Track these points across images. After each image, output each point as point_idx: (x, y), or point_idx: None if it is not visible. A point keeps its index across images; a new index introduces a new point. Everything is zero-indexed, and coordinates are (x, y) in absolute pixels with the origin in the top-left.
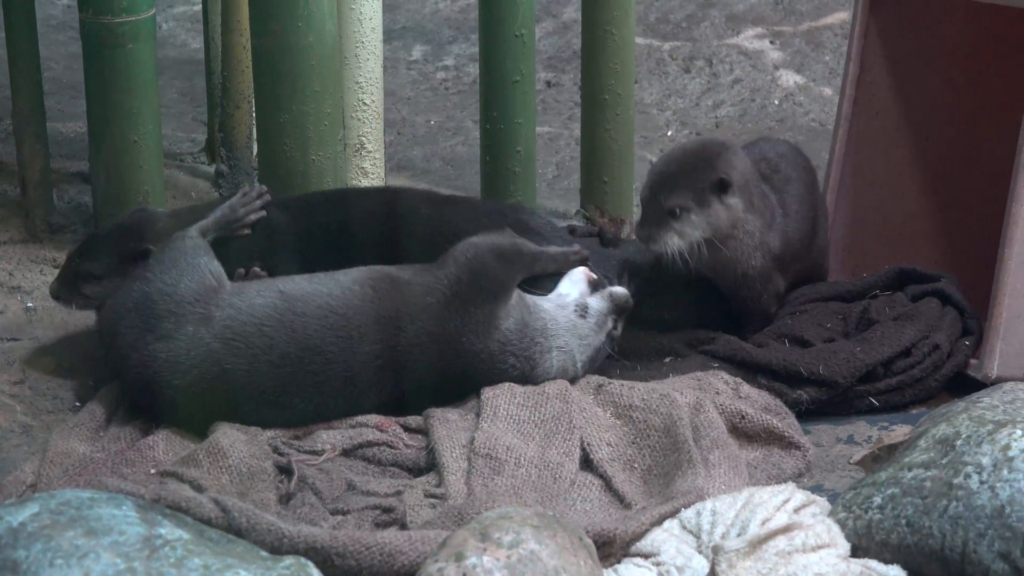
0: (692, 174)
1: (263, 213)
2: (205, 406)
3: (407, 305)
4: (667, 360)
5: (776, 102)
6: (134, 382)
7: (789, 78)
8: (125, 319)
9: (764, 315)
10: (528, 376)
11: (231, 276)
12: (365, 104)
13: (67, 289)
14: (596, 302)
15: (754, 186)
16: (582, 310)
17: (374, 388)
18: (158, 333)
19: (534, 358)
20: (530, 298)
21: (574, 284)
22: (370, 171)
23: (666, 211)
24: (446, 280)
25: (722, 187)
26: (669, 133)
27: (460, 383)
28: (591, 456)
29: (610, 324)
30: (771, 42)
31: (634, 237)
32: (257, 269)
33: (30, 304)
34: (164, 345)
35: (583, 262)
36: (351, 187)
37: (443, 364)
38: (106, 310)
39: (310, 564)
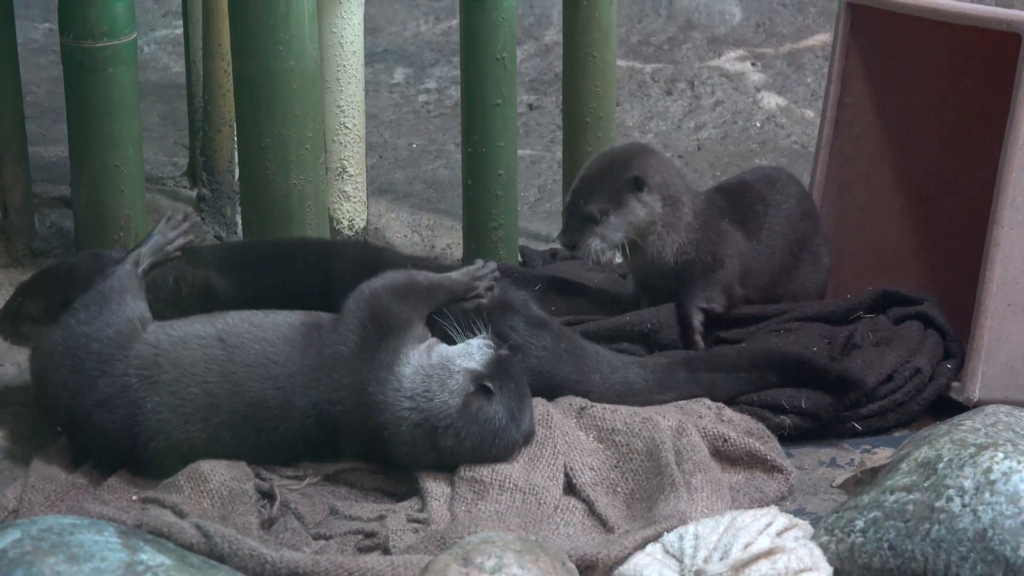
0: (609, 176)
1: (192, 237)
2: (133, 452)
3: (324, 356)
4: None
5: (758, 124)
6: (64, 425)
7: (771, 100)
8: (53, 359)
9: (702, 311)
10: (423, 424)
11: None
12: (347, 128)
13: (5, 325)
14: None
15: (676, 184)
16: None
17: (310, 442)
18: (84, 375)
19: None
20: (440, 348)
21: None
22: (352, 195)
23: (586, 216)
24: (351, 328)
25: (637, 185)
26: None
27: (377, 437)
28: (574, 480)
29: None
30: (752, 64)
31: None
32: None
33: None
34: (90, 388)
35: (489, 286)
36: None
37: (360, 416)
38: (38, 351)
39: None
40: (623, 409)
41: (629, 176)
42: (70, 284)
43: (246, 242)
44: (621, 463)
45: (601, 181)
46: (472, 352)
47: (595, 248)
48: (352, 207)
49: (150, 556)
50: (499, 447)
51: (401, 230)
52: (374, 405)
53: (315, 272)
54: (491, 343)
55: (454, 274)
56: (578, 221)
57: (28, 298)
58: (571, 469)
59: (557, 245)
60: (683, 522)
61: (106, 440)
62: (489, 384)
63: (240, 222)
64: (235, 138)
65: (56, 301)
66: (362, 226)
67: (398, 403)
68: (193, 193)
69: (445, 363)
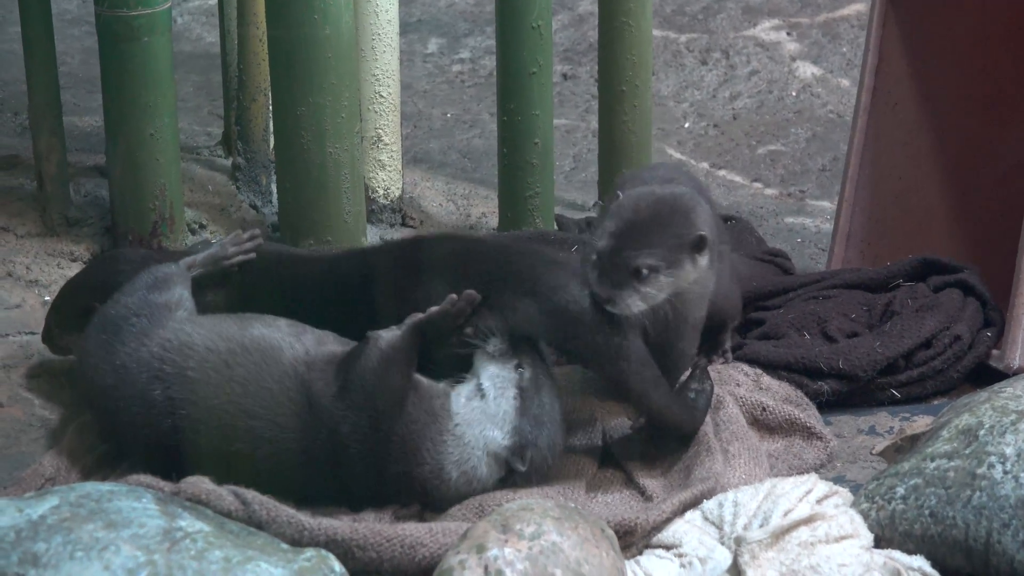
0: (665, 230)
1: (252, 256)
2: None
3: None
4: None
5: (793, 93)
6: (90, 397)
7: (806, 69)
8: (96, 329)
9: (686, 365)
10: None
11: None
12: (382, 96)
13: (48, 342)
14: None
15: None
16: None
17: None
18: (118, 346)
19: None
20: (454, 422)
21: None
22: (387, 164)
23: (632, 270)
24: (351, 415)
25: (699, 246)
26: (687, 125)
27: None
28: (612, 451)
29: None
30: (788, 33)
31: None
32: None
33: (47, 298)
34: (117, 360)
35: (467, 306)
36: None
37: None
38: (85, 334)
39: (331, 556)
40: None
41: (692, 236)
42: (99, 290)
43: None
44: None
45: (655, 234)
46: (491, 411)
47: (634, 308)
48: (387, 176)
49: (188, 523)
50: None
51: (436, 199)
52: (385, 479)
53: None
54: (503, 374)
55: (432, 311)
56: (618, 272)
57: (53, 312)
58: (610, 439)
59: (593, 214)
60: (720, 486)
61: (122, 419)
62: (521, 467)
63: (275, 191)
64: (270, 107)
65: (85, 309)
66: (397, 195)
67: (416, 489)
68: (228, 162)
69: (466, 450)
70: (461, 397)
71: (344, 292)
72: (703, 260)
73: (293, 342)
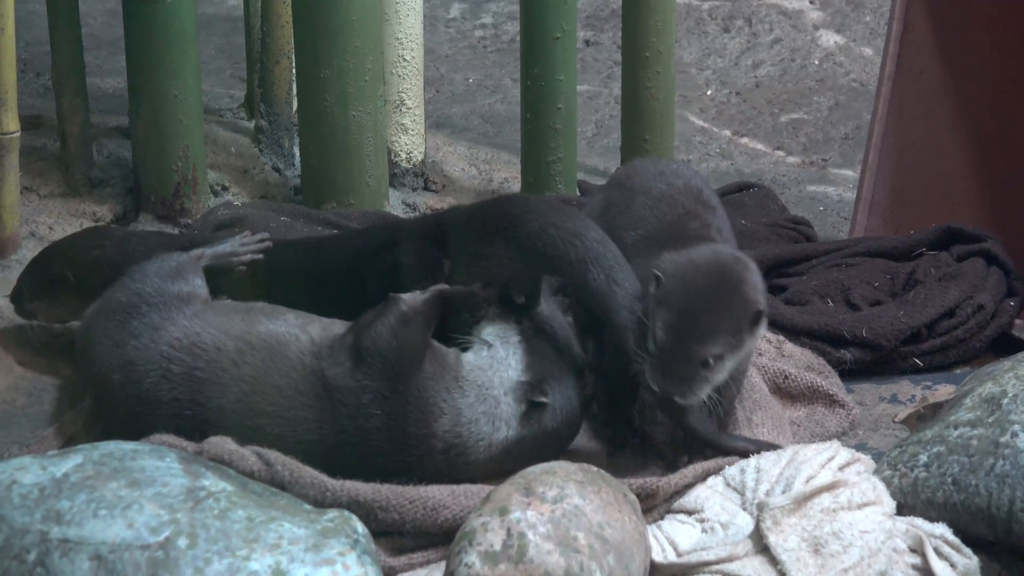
0: (726, 313)
1: (260, 256)
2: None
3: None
4: None
5: (816, 62)
6: (94, 383)
7: (829, 38)
8: (103, 313)
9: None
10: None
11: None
12: (405, 60)
13: (15, 302)
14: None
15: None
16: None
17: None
18: (126, 333)
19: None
20: (469, 372)
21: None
22: (410, 127)
23: (700, 361)
24: (370, 382)
25: (757, 319)
26: (709, 92)
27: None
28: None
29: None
30: (811, 2)
31: None
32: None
33: None
34: (125, 348)
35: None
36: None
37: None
38: (83, 320)
39: (354, 517)
40: None
41: (752, 310)
42: (75, 261)
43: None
44: None
45: (715, 320)
46: (500, 355)
47: (703, 395)
48: (410, 140)
49: (212, 482)
50: (571, 435)
51: (459, 164)
52: (410, 445)
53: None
54: (503, 327)
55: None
56: (685, 366)
57: (25, 274)
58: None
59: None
60: (743, 456)
61: (125, 406)
62: (543, 399)
63: (298, 154)
64: (293, 69)
65: (58, 277)
66: (420, 159)
67: (436, 446)
68: (251, 125)
69: (483, 391)
70: (470, 353)
71: (358, 275)
72: (762, 328)
73: (299, 334)
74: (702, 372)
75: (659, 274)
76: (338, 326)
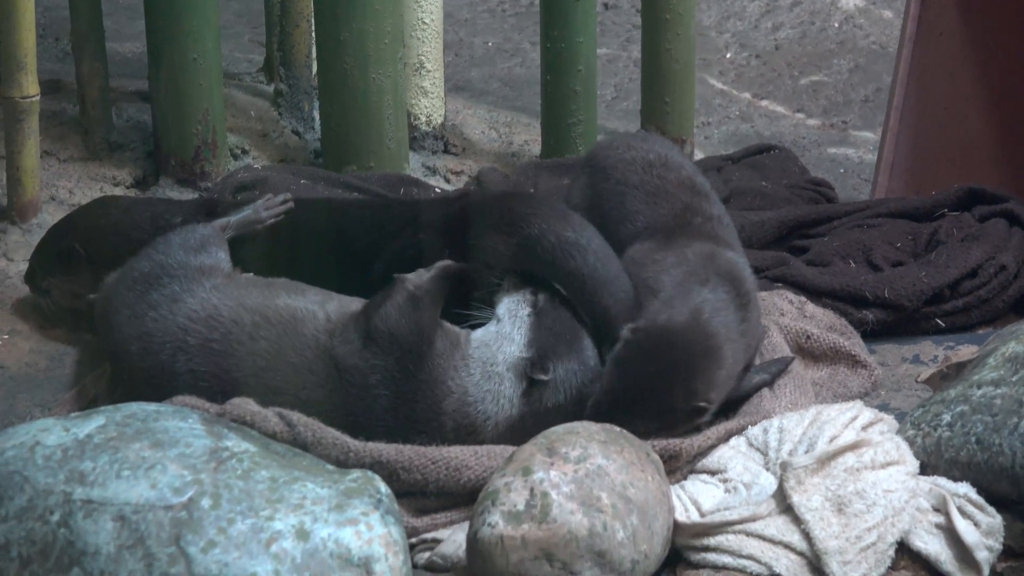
0: (665, 405)
1: (282, 218)
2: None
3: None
4: None
5: (836, 24)
6: (112, 351)
7: (849, 0)
8: (125, 283)
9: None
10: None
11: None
12: (425, 23)
13: (30, 282)
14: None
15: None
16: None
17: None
18: (146, 304)
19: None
20: (474, 349)
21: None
22: (430, 90)
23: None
24: (378, 362)
25: (696, 414)
26: (728, 55)
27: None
28: None
29: None
30: None
31: None
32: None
33: None
34: (144, 318)
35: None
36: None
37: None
38: (104, 287)
39: (377, 477)
40: None
41: (692, 407)
42: (83, 233)
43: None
44: None
45: (650, 406)
46: (506, 331)
47: None
48: (430, 103)
49: (235, 443)
50: (578, 412)
51: (478, 127)
52: (419, 424)
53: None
54: (517, 300)
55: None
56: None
57: (36, 254)
58: None
59: None
60: (764, 416)
61: (143, 376)
62: (543, 376)
63: (318, 117)
64: (313, 33)
65: (71, 250)
66: (439, 122)
67: (446, 425)
68: (270, 89)
69: (487, 368)
70: (479, 330)
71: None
72: (706, 416)
73: (316, 311)
74: None
75: (625, 338)
76: (356, 304)
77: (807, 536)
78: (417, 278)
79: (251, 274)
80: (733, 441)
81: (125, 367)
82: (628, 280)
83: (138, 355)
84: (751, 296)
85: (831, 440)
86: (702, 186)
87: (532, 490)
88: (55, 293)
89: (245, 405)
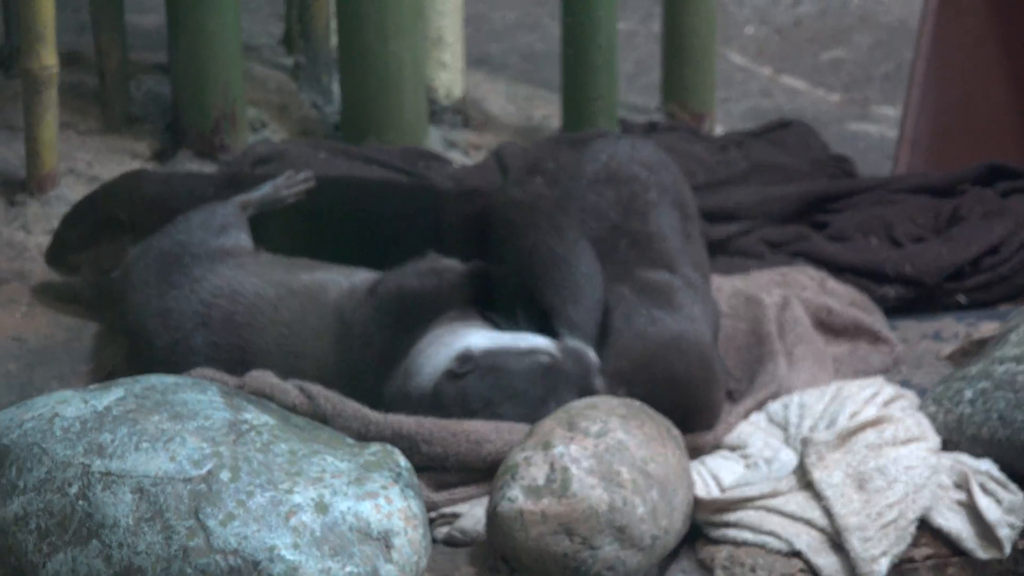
0: None
1: (303, 196)
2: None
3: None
4: (751, 262)
5: (856, 0)
6: (128, 329)
7: None
8: (143, 260)
9: None
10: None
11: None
12: None
13: (52, 258)
14: None
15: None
16: None
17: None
18: (164, 282)
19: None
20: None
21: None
22: (449, 64)
23: None
24: (381, 317)
25: None
26: (749, 31)
27: None
28: None
29: None
30: None
31: None
32: None
33: None
34: (163, 296)
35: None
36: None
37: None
38: (122, 267)
39: (396, 451)
40: (726, 286)
41: None
42: (125, 203)
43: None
44: (725, 342)
45: None
46: (501, 336)
47: None
48: (450, 76)
49: (254, 416)
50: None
51: (498, 101)
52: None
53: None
54: (542, 344)
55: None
56: None
57: (65, 226)
58: None
59: (656, 117)
60: (784, 389)
61: (155, 355)
62: (455, 364)
63: (337, 90)
64: (332, 5)
65: (88, 224)
66: (459, 96)
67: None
68: (289, 61)
69: (452, 341)
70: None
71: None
72: None
73: (342, 280)
74: None
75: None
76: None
77: (828, 512)
78: (449, 262)
79: (270, 254)
80: (753, 417)
81: (143, 345)
82: (599, 305)
83: (155, 332)
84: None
85: (852, 416)
86: (647, 203)
87: (552, 464)
88: (85, 269)
89: (264, 377)
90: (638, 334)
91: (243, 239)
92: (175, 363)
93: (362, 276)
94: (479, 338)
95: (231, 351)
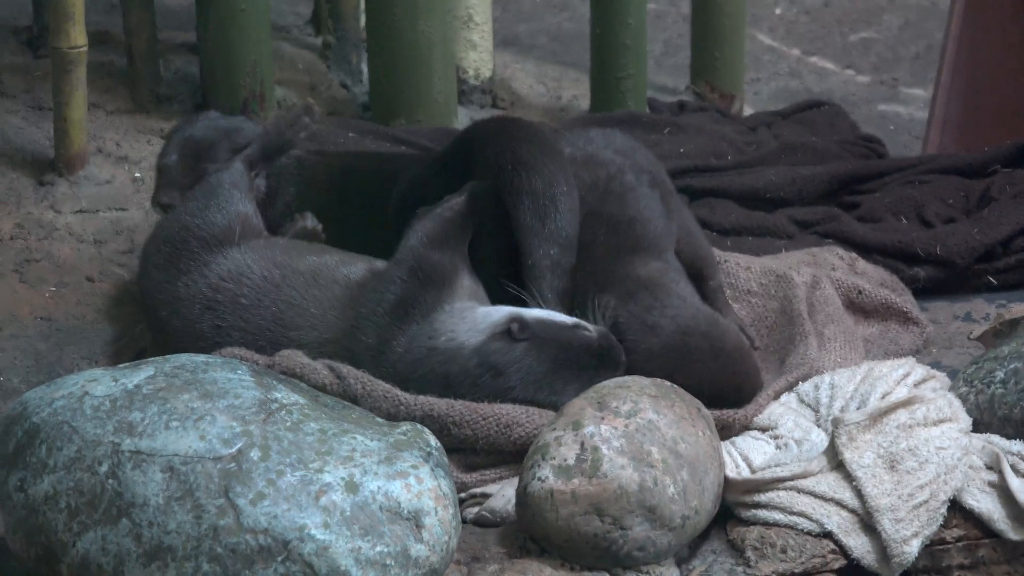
0: None
1: (314, 128)
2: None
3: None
4: (781, 242)
5: None
6: (147, 312)
7: None
8: (154, 244)
9: None
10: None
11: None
12: None
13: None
14: None
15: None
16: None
17: None
18: (175, 267)
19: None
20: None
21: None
22: (478, 44)
23: None
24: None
25: None
26: (778, 11)
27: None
28: None
29: None
30: None
31: None
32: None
33: (138, 174)
34: (175, 282)
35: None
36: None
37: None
38: (146, 241)
39: (426, 430)
40: (756, 265)
41: None
42: (198, 146)
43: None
44: (757, 322)
45: None
46: (541, 310)
47: None
48: (478, 56)
49: (284, 395)
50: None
51: (527, 81)
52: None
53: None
54: (577, 320)
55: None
56: None
57: (162, 158)
58: None
59: (685, 97)
60: (815, 370)
61: (174, 340)
62: (516, 326)
63: (366, 70)
64: None
65: (191, 164)
66: (488, 76)
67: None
68: (318, 41)
69: (489, 309)
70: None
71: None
72: None
73: (340, 264)
74: None
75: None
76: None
77: (859, 493)
78: (451, 201)
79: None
80: (784, 398)
81: (160, 330)
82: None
83: (167, 319)
84: None
85: (883, 397)
86: (623, 185)
87: (583, 444)
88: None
89: (295, 357)
90: (663, 315)
91: (243, 212)
92: (190, 348)
93: (382, 263)
94: (524, 308)
95: (236, 332)
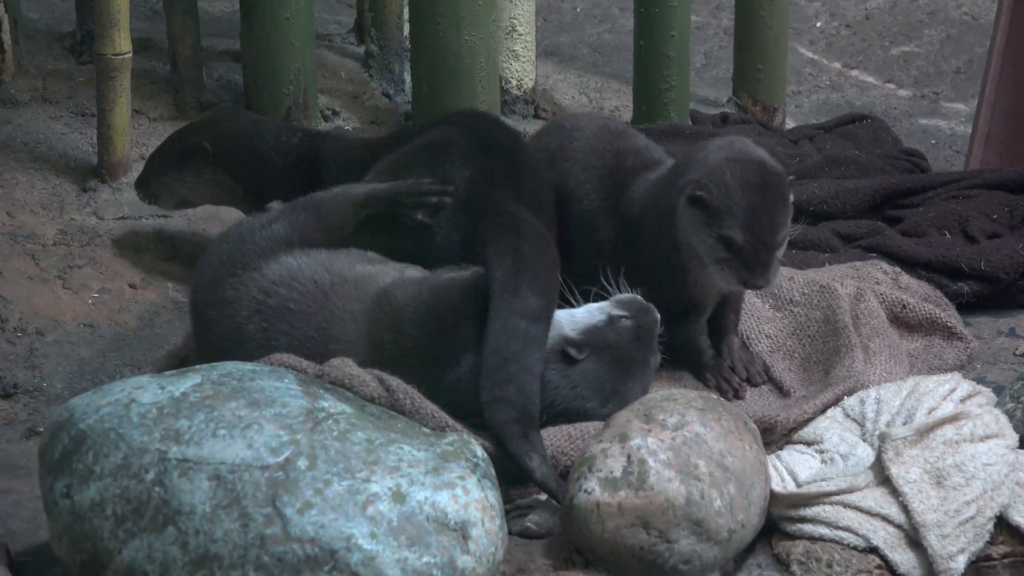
0: (787, 199)
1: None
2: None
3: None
4: (824, 255)
5: None
6: (191, 306)
7: None
8: (215, 243)
9: None
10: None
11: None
12: None
13: (140, 184)
14: None
15: None
16: None
17: None
18: (224, 268)
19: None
20: None
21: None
22: (521, 54)
23: (778, 247)
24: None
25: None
26: (819, 24)
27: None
28: (750, 347)
29: None
30: None
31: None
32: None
33: None
34: (222, 283)
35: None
36: None
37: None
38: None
39: (473, 441)
40: (799, 276)
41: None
42: (213, 133)
43: None
44: (798, 331)
45: (786, 207)
46: (576, 318)
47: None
48: (521, 67)
49: (331, 404)
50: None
51: (569, 92)
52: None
53: None
54: (606, 309)
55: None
56: (769, 255)
57: (153, 156)
58: (747, 337)
59: (727, 109)
60: (860, 384)
61: (209, 340)
62: (573, 350)
63: (408, 79)
64: None
65: (200, 148)
66: (531, 86)
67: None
68: (360, 50)
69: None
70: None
71: None
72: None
73: (390, 271)
74: (776, 254)
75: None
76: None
77: (905, 509)
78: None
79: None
80: (829, 412)
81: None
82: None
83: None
84: None
85: (930, 412)
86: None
87: (629, 457)
88: (164, 196)
89: (344, 367)
90: None
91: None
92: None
93: (413, 271)
94: (561, 325)
95: (282, 336)
